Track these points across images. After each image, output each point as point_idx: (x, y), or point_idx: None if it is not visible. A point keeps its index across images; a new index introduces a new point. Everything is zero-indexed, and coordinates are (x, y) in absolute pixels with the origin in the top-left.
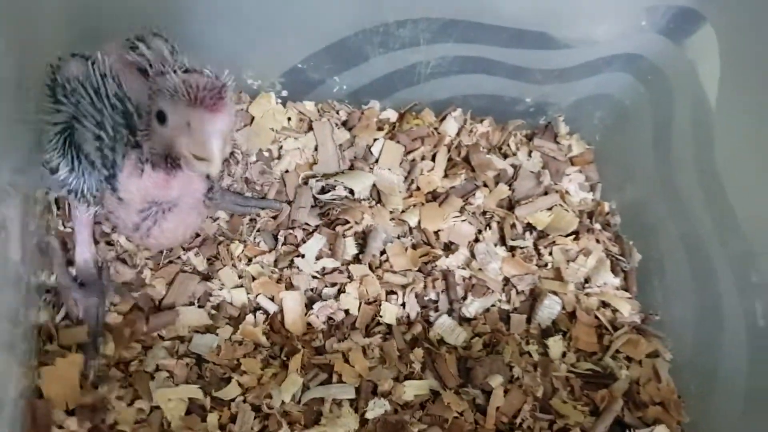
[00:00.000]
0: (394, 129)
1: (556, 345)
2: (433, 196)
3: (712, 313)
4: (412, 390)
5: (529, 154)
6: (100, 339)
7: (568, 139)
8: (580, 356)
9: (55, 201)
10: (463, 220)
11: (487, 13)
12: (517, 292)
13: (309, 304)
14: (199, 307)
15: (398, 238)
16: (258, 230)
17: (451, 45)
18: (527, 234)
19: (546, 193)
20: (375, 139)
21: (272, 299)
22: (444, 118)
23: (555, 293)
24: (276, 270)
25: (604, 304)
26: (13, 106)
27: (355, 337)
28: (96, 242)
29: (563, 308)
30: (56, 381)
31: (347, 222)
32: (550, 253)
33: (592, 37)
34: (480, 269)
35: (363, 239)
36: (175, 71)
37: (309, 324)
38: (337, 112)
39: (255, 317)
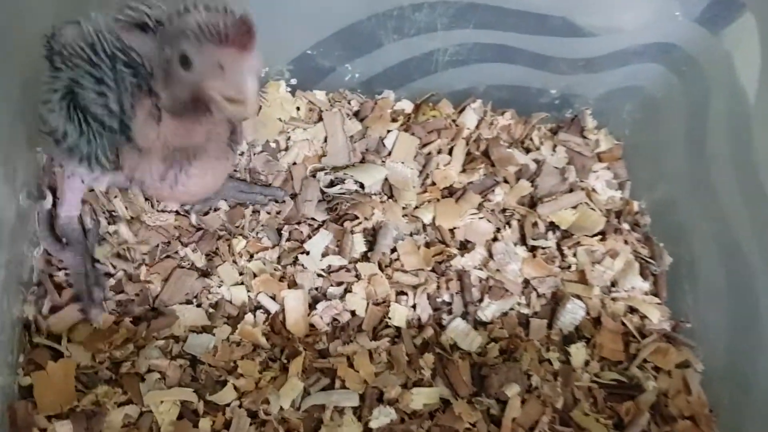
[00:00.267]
0: (408, 120)
1: (578, 352)
2: (450, 192)
3: (747, 320)
4: (420, 398)
5: (554, 148)
6: (97, 289)
7: (595, 133)
8: (605, 365)
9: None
10: (481, 218)
11: None
12: (538, 296)
13: (313, 304)
14: (197, 306)
15: (410, 235)
16: (261, 225)
17: (470, 31)
18: (550, 233)
19: (571, 191)
20: (388, 131)
21: (273, 298)
22: (463, 110)
23: (579, 297)
24: (279, 267)
25: (632, 310)
26: None
27: (361, 340)
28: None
29: (587, 313)
30: (47, 386)
31: (356, 217)
32: (574, 255)
33: (621, 24)
34: (498, 270)
35: (372, 236)
36: (196, 8)
37: (312, 325)
38: (349, 102)
39: (255, 317)
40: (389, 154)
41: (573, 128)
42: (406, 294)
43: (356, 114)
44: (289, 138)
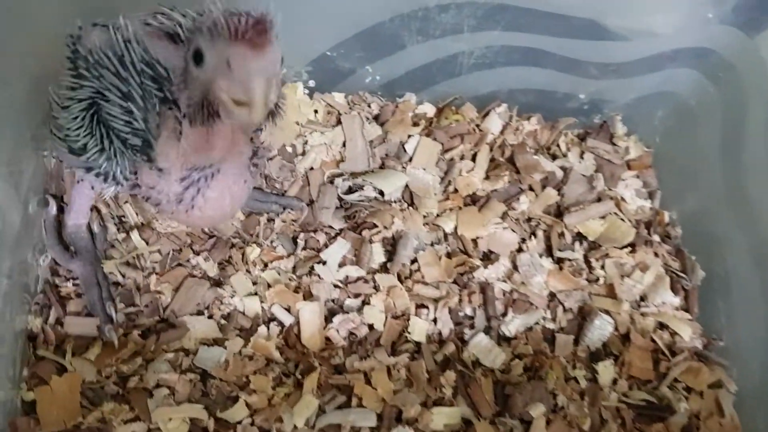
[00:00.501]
0: (431, 125)
1: (606, 371)
2: (472, 200)
3: None
4: (441, 418)
5: (581, 155)
6: (108, 303)
7: (625, 140)
8: (633, 384)
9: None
10: (505, 228)
11: None
12: (564, 310)
13: (329, 317)
14: (209, 317)
15: (431, 245)
16: (276, 233)
17: (498, 33)
18: (577, 244)
19: (599, 200)
20: (409, 136)
21: (288, 310)
22: (487, 114)
23: (607, 312)
24: (294, 277)
25: (662, 326)
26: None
27: (379, 355)
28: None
29: (615, 329)
30: (51, 402)
31: (375, 226)
32: (602, 267)
33: (655, 28)
34: (523, 283)
35: (392, 246)
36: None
37: (328, 339)
38: (369, 105)
39: (268, 329)
40: (410, 159)
41: (602, 134)
42: (426, 307)
43: (376, 118)
44: (306, 142)
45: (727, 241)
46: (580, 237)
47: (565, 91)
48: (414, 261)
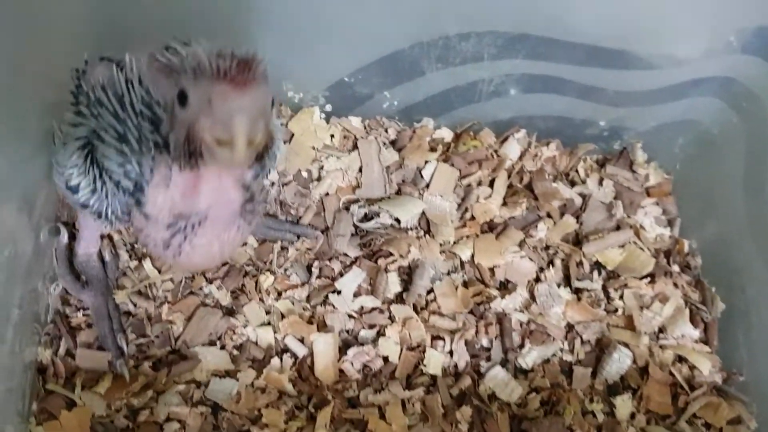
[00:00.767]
0: (448, 150)
1: (624, 405)
2: (490, 227)
3: None
4: None
5: (600, 182)
6: (120, 336)
7: (645, 167)
8: (652, 419)
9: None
10: (523, 256)
11: (562, 28)
12: (582, 342)
13: (343, 348)
14: (221, 348)
15: (448, 274)
16: (290, 260)
17: (519, 61)
18: (595, 274)
19: (618, 228)
20: (426, 161)
21: (302, 341)
22: (505, 140)
23: (625, 344)
24: (308, 307)
25: (680, 359)
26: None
27: (394, 388)
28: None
29: (634, 362)
30: None
31: (391, 254)
32: (621, 297)
33: (677, 57)
34: (540, 314)
35: (408, 275)
36: (201, 44)
37: (342, 371)
38: (386, 130)
39: (281, 361)
40: (427, 186)
41: (621, 161)
42: (442, 339)
43: (393, 143)
44: (322, 167)
45: (747, 273)
46: (598, 266)
47: (584, 118)
48: (430, 291)
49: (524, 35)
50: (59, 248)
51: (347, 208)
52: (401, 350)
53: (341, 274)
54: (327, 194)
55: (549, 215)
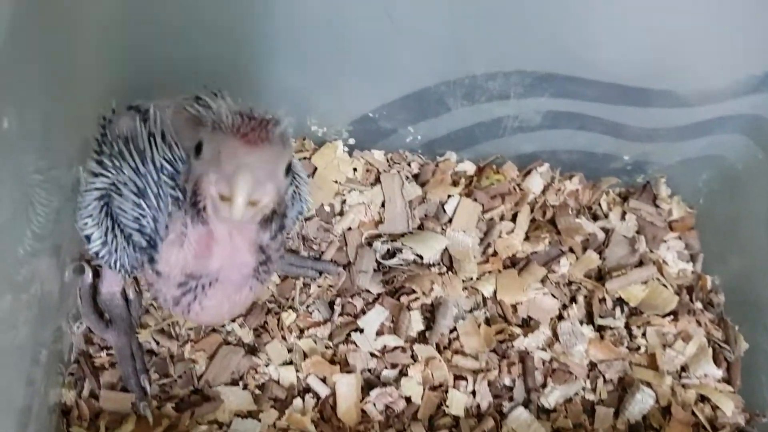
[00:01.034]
0: (470, 184)
1: None
2: (512, 262)
3: None
4: None
5: (623, 216)
6: (143, 377)
7: (668, 202)
8: None
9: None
10: (545, 293)
11: (589, 67)
12: (605, 381)
13: (366, 388)
14: (243, 387)
15: (470, 311)
16: (312, 297)
17: (545, 99)
18: (617, 310)
19: (641, 263)
20: (449, 196)
21: (324, 380)
22: (528, 173)
23: (648, 384)
24: (330, 345)
25: (703, 399)
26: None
27: (416, 429)
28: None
29: (656, 401)
30: None
31: (413, 291)
32: (644, 335)
33: (703, 94)
34: (563, 352)
35: (431, 312)
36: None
37: (364, 412)
38: (409, 164)
39: (304, 401)
40: (450, 221)
41: (645, 196)
42: (465, 379)
43: (416, 177)
44: (344, 201)
45: None
46: (621, 302)
47: (608, 152)
48: (453, 329)
49: (551, 75)
50: (83, 287)
51: (370, 244)
52: (424, 390)
53: (363, 312)
54: (349, 229)
55: (571, 250)
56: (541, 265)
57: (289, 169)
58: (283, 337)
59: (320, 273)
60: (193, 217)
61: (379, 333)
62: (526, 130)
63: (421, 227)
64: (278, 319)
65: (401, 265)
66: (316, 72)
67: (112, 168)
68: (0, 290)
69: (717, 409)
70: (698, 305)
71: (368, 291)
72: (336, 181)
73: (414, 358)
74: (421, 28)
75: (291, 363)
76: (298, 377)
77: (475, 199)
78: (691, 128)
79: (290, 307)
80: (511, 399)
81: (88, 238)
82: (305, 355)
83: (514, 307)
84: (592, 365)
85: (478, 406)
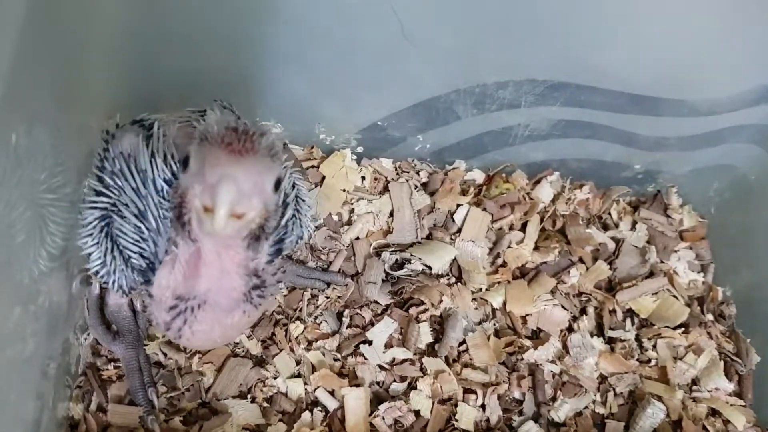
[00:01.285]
0: (480, 193)
1: None
2: (522, 273)
3: None
4: None
5: (633, 225)
6: (151, 390)
7: (679, 212)
8: None
9: None
10: (555, 304)
11: (600, 76)
12: (615, 394)
13: (374, 401)
14: (251, 400)
15: (479, 323)
16: (320, 308)
17: (556, 108)
18: (628, 322)
19: (651, 273)
20: (458, 205)
21: (332, 393)
22: (538, 182)
23: (659, 397)
24: (339, 357)
25: (714, 413)
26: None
27: None
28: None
29: (667, 415)
30: None
31: (422, 303)
32: (654, 347)
33: (715, 104)
34: (573, 365)
35: (439, 324)
36: (215, 113)
37: (373, 426)
38: (418, 173)
39: (312, 415)
40: (459, 230)
41: (656, 205)
42: (474, 392)
43: (425, 186)
44: (352, 210)
45: None
46: (631, 313)
47: (619, 161)
48: (462, 342)
49: (562, 83)
50: (90, 298)
51: (378, 254)
52: (433, 404)
53: (372, 323)
54: (357, 239)
55: (581, 260)
56: (550, 275)
57: (278, 184)
58: (291, 349)
59: (328, 284)
60: (181, 234)
61: (388, 345)
62: (536, 139)
63: (429, 237)
64: (286, 331)
65: (410, 275)
66: (324, 80)
67: (114, 187)
68: (8, 302)
69: (728, 423)
70: (709, 317)
71: (377, 302)
72: (344, 190)
73: (423, 371)
74: (431, 36)
75: (299, 376)
76: (306, 390)
77: (485, 209)
78: (703, 137)
79: (298, 319)
80: (520, 413)
81: (87, 256)
82: (313, 368)
83: (524, 318)
84: (603, 378)
85: (488, 420)
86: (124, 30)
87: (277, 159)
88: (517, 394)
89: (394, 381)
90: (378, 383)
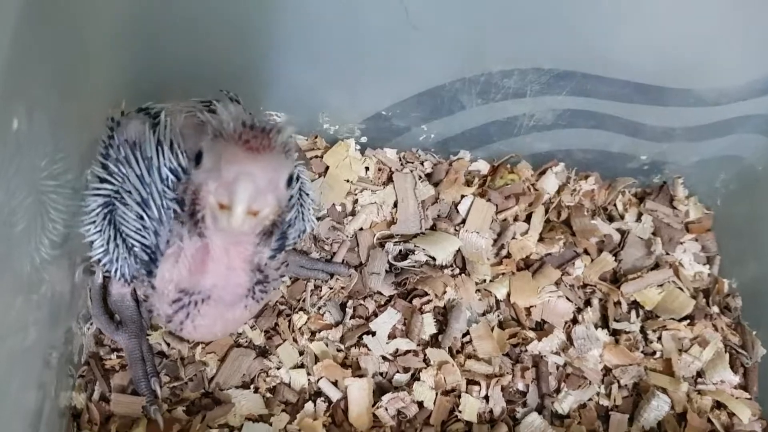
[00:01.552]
0: (484, 184)
1: None
2: (526, 264)
3: None
4: None
5: (639, 217)
6: (154, 379)
7: (685, 204)
8: None
9: None
10: (560, 296)
11: (607, 65)
12: (620, 386)
13: (377, 392)
14: (255, 391)
15: (483, 314)
16: (323, 299)
17: (562, 98)
18: (633, 314)
19: (657, 265)
20: (463, 196)
21: (335, 384)
22: (543, 173)
23: (663, 390)
24: (342, 348)
25: (719, 406)
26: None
27: None
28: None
29: (672, 407)
30: None
31: (426, 294)
32: (659, 339)
33: (722, 94)
34: (578, 357)
35: (443, 315)
36: (227, 108)
37: (376, 416)
38: (422, 163)
39: (315, 405)
40: (463, 221)
41: (661, 196)
42: (478, 384)
43: (429, 176)
44: (356, 201)
45: None
46: (636, 305)
47: (625, 151)
48: (466, 333)
49: (568, 72)
50: (94, 288)
51: (382, 245)
52: (436, 395)
53: (375, 314)
54: (361, 229)
55: (586, 252)
56: (555, 267)
57: (291, 181)
58: (295, 340)
59: (331, 275)
60: (190, 229)
61: (391, 336)
62: (541, 129)
63: (433, 228)
64: (289, 321)
65: (413, 266)
66: (328, 69)
67: (118, 174)
68: (10, 291)
69: (733, 416)
70: (715, 309)
71: (380, 293)
72: (348, 180)
73: (426, 362)
74: (436, 24)
75: (302, 366)
76: (309, 381)
77: (489, 200)
78: (709, 128)
79: (301, 309)
80: (524, 404)
81: (90, 243)
82: (317, 359)
83: (528, 310)
84: (607, 370)
85: (491, 412)
86: (128, 18)
87: (290, 155)
88: (520, 386)
89: (398, 372)
90: (381, 374)
